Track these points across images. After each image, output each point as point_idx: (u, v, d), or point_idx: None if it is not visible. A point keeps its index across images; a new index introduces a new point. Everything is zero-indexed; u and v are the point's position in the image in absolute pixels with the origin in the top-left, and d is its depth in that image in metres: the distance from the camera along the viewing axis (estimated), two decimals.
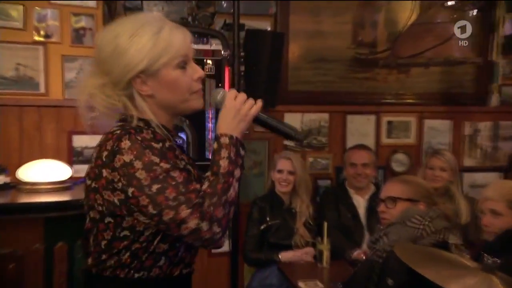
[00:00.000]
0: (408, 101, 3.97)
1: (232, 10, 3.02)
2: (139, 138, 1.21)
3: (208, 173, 1.24)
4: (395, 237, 1.96)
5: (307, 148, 3.79)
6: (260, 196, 3.32)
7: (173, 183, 1.18)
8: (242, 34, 3.13)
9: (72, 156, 3.22)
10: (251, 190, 3.58)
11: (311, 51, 3.77)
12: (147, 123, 1.29)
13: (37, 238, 2.60)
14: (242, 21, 3.10)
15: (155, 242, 1.25)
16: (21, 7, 3.13)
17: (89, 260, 1.31)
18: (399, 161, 3.93)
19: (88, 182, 1.26)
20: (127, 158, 1.17)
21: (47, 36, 3.19)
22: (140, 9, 3.21)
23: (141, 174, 1.16)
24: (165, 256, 1.27)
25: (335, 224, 3.13)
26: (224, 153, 1.25)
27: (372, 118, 3.91)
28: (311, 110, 3.79)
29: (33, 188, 2.86)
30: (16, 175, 2.91)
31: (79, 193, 2.46)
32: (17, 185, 2.92)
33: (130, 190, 1.17)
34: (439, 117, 4.00)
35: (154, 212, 1.17)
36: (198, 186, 1.22)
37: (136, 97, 1.28)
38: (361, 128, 3.88)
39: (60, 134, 3.21)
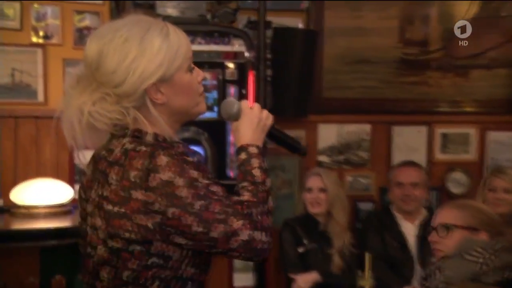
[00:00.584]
0: (466, 109, 3.92)
1: (257, 6, 3.04)
2: (174, 153, 1.29)
3: (245, 183, 1.37)
4: (451, 273, 1.92)
5: (344, 165, 3.76)
6: (292, 217, 3.35)
7: (216, 197, 1.27)
8: (269, 33, 3.14)
9: (74, 175, 3.24)
10: (279, 214, 3.54)
11: (350, 52, 3.74)
12: (155, 137, 1.33)
13: (31, 270, 2.64)
14: (269, 18, 3.11)
15: (183, 267, 1.31)
16: (17, 5, 3.20)
17: None
18: (457, 181, 3.87)
19: (108, 207, 1.27)
20: (165, 176, 1.23)
21: (46, 37, 3.25)
22: (151, 6, 3.25)
23: (182, 192, 1.23)
24: (191, 281, 1.34)
25: (379, 255, 3.10)
26: (255, 163, 1.39)
27: (424, 129, 3.86)
28: (350, 120, 3.77)
29: (29, 212, 2.89)
30: (9, 197, 2.94)
31: None
32: (10, 209, 2.95)
33: (170, 210, 1.23)
34: (505, 129, 3.92)
35: (200, 229, 1.24)
36: (238, 197, 1.33)
37: (150, 107, 1.32)
38: (409, 142, 3.83)
39: (60, 149, 3.22)
